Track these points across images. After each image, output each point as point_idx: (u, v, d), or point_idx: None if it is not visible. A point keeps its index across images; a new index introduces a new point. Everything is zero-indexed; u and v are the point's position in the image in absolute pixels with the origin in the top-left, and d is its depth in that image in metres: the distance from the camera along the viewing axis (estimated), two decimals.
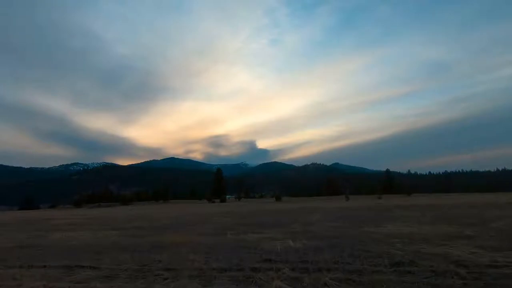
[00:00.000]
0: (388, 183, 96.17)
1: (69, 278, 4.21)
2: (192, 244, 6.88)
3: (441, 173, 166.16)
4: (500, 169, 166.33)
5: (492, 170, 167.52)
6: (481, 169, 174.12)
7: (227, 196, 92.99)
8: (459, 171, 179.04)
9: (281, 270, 4.13)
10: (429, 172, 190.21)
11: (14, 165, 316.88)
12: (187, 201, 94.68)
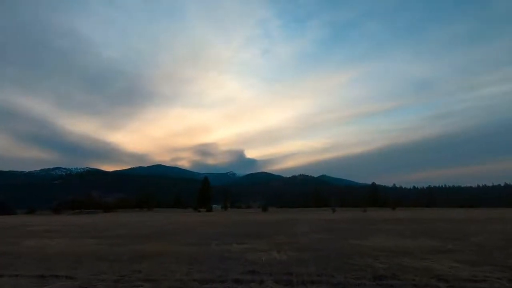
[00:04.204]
0: (373, 196, 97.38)
1: None
2: (174, 254, 6.71)
3: (424, 187, 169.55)
4: (481, 185, 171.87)
5: (473, 186, 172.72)
6: (462, 185, 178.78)
7: (213, 206, 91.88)
8: (442, 186, 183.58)
9: (264, 282, 4.07)
10: (414, 187, 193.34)
11: None
12: (172, 209, 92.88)
